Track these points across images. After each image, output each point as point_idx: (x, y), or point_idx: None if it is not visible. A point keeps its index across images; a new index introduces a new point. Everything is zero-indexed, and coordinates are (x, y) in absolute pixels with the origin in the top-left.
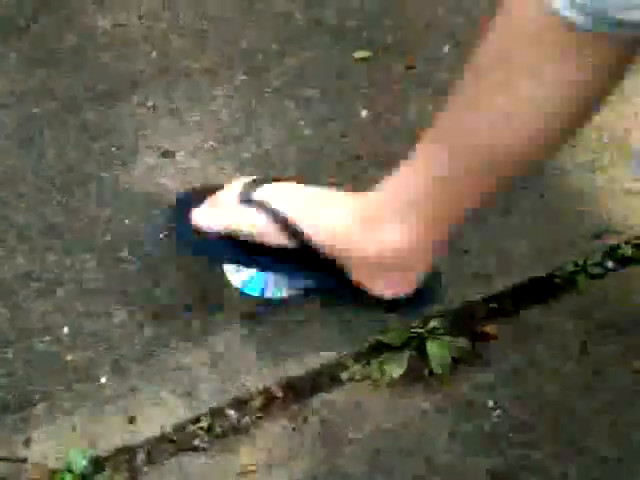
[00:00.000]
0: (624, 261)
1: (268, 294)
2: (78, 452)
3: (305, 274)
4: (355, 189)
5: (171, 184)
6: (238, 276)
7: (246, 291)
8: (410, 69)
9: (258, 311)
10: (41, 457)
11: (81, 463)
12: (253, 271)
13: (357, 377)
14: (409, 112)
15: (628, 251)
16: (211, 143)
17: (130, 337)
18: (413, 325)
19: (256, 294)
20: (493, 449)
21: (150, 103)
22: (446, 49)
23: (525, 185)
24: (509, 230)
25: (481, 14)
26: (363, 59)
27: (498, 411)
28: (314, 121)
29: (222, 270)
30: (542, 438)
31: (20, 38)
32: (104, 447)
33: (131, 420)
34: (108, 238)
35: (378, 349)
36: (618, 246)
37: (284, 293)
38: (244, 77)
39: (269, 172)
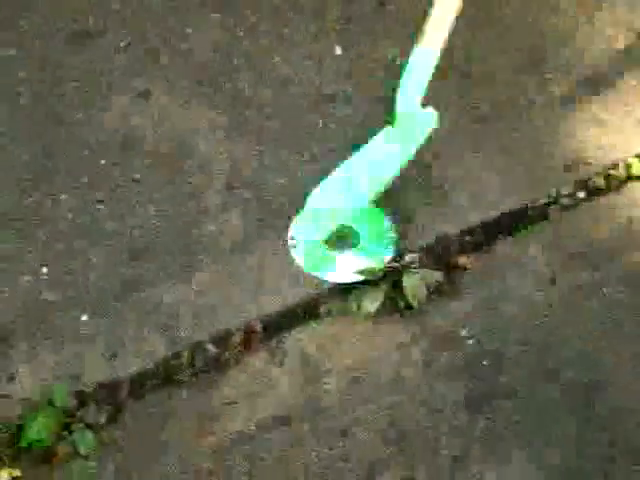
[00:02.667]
0: (595, 192)
1: (333, 279)
2: (61, 388)
3: None
4: (327, 127)
5: (146, 124)
6: (308, 258)
7: (313, 273)
8: (382, 5)
9: (237, 249)
10: (25, 393)
11: (65, 398)
12: (323, 254)
13: (335, 311)
14: (384, 49)
15: (599, 182)
16: (186, 82)
17: (109, 276)
18: (389, 260)
19: (323, 277)
20: (467, 376)
21: (124, 43)
22: None
23: (498, 119)
24: (482, 165)
25: None
26: None
27: (471, 340)
28: (289, 59)
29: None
30: (513, 364)
31: None
32: (87, 383)
33: (113, 356)
34: (85, 179)
35: (355, 284)
36: (589, 177)
37: (347, 279)
38: (217, 15)
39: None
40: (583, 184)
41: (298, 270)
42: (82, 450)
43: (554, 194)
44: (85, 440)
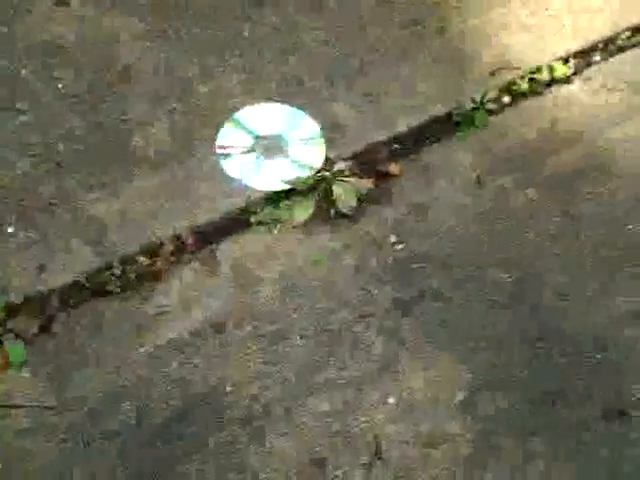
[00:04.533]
0: (520, 96)
1: (263, 187)
2: None
3: None
4: (254, 34)
5: (68, 33)
6: (238, 167)
7: (243, 182)
8: None
9: (166, 160)
10: None
11: None
12: (253, 162)
13: (267, 220)
14: None
15: (523, 86)
16: None
17: (35, 188)
18: (320, 169)
19: (253, 185)
20: (396, 280)
21: None
22: None
23: (423, 24)
24: (409, 71)
25: None
26: None
27: (401, 245)
28: None
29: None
30: (441, 267)
31: None
32: (16, 294)
33: (42, 268)
34: (6, 91)
35: (286, 193)
36: (514, 81)
37: (277, 187)
38: None
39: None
40: (508, 88)
41: (228, 179)
42: (13, 360)
43: (479, 99)
44: (16, 350)
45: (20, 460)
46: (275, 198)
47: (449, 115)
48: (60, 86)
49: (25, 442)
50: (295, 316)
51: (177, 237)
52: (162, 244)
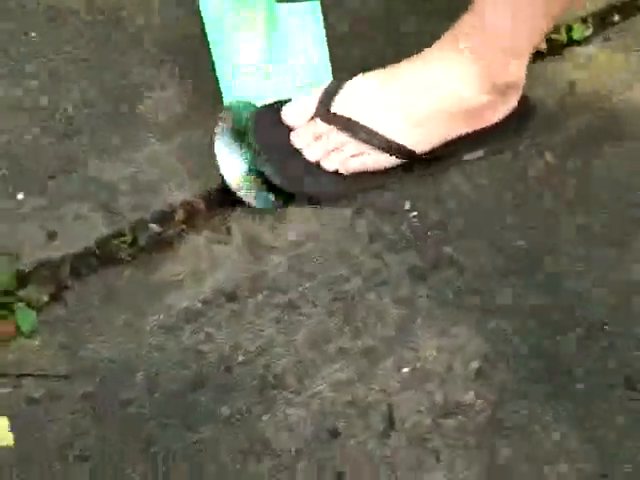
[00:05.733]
0: (538, 57)
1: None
2: (1, 267)
3: None
4: None
5: None
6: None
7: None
8: None
9: (176, 124)
10: None
11: (4, 278)
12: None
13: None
14: None
15: (541, 47)
16: None
17: (45, 153)
18: None
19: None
20: (411, 248)
21: None
22: None
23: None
24: None
25: None
26: None
27: (415, 212)
28: None
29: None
30: (456, 235)
31: None
32: (27, 262)
33: (52, 236)
34: (15, 53)
35: None
36: None
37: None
38: None
39: None
40: None
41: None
42: (24, 328)
43: None
44: (27, 319)
45: (32, 430)
46: None
47: None
48: (69, 48)
49: (37, 412)
50: (308, 285)
51: (189, 204)
52: (173, 211)
